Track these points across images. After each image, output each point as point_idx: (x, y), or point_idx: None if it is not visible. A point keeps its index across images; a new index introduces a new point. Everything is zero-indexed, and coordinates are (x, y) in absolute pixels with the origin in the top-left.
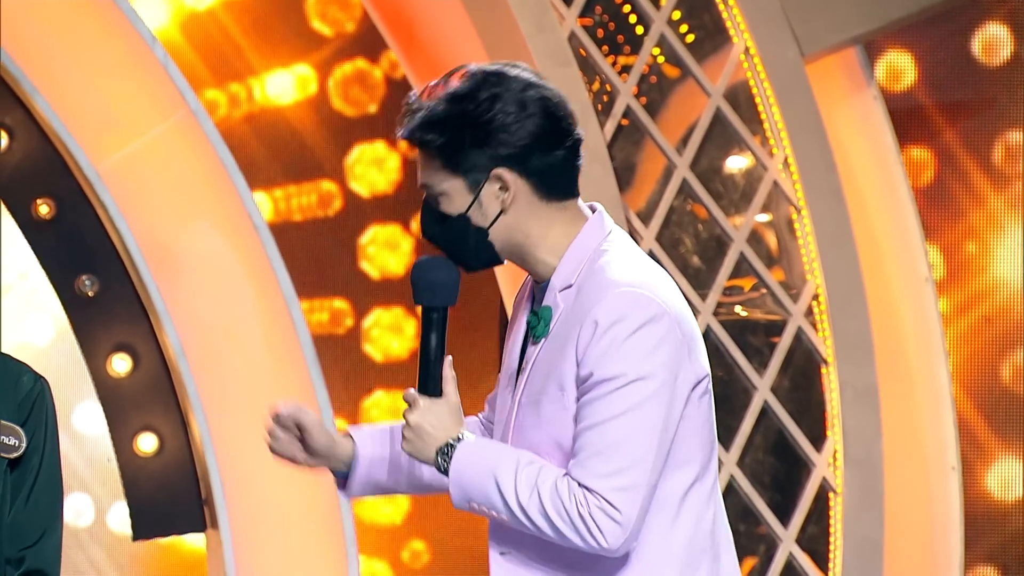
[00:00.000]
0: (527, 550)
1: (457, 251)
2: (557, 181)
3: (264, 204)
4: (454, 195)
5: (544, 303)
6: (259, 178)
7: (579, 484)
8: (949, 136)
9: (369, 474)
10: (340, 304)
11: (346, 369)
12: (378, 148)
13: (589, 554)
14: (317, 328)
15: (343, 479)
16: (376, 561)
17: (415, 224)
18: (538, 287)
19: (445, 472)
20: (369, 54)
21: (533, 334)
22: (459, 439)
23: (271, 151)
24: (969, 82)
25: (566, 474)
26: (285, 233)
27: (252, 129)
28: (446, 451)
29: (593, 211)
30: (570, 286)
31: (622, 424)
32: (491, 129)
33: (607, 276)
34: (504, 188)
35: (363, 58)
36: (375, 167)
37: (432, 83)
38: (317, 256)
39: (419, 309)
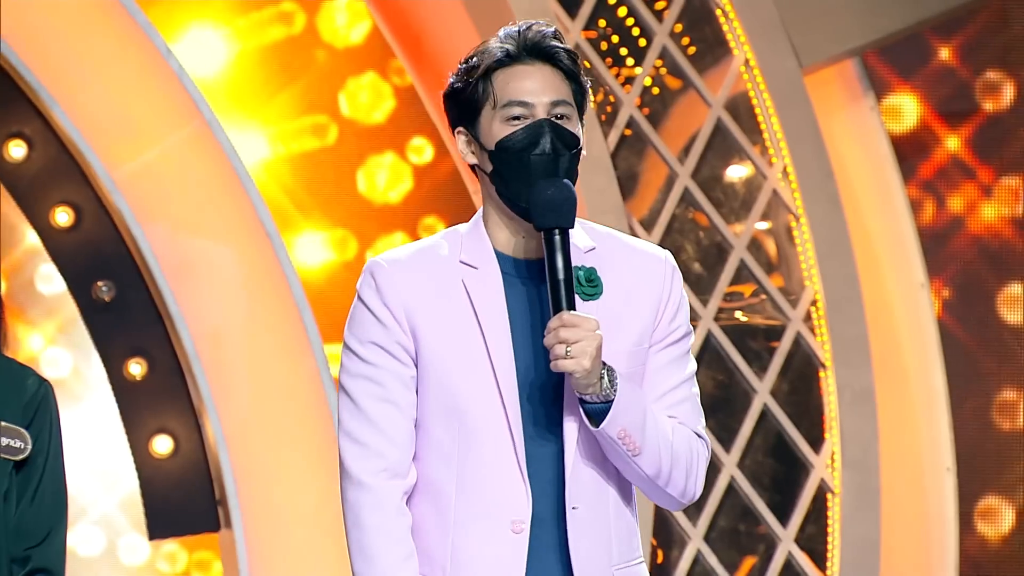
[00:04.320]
0: (596, 505)
1: (575, 174)
2: None
3: (261, 141)
4: (574, 117)
5: (576, 263)
6: (256, 115)
7: (696, 433)
8: None
9: None
10: (342, 233)
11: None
12: (368, 79)
13: (631, 508)
14: (325, 258)
15: None
16: None
17: (411, 153)
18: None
19: (607, 395)
20: None
21: (588, 292)
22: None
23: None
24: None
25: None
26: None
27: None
28: (610, 375)
29: None
30: (594, 248)
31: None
32: None
33: (627, 240)
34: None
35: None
36: (370, 98)
37: (544, 25)
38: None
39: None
